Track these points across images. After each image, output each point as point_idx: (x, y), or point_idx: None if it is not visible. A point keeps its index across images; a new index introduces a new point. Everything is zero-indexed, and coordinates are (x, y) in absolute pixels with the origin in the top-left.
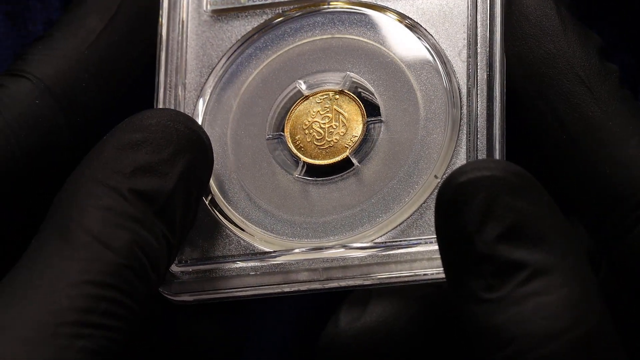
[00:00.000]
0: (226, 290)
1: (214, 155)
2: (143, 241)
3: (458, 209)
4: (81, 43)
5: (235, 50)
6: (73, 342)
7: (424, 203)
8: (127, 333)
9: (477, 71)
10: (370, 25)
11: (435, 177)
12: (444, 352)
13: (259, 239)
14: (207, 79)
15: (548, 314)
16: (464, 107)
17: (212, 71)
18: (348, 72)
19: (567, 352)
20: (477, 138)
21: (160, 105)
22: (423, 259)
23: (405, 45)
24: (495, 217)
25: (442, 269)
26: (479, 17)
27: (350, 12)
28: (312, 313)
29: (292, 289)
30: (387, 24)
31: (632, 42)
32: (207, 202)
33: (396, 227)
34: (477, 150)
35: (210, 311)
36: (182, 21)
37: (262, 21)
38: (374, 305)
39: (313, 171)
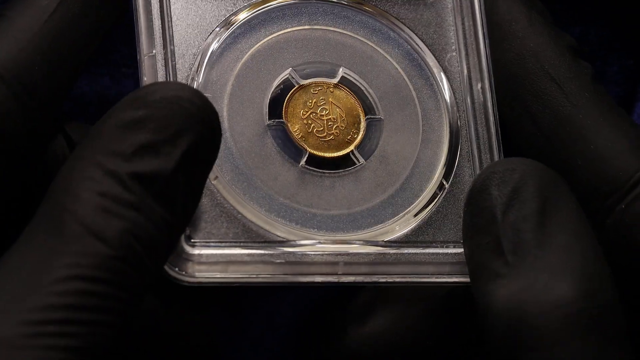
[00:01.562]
0: (240, 276)
1: None
2: (139, 229)
3: (488, 192)
4: (33, 23)
5: (225, 28)
6: (58, 341)
7: (434, 207)
8: (120, 325)
9: (471, 77)
10: (363, 25)
11: (443, 183)
12: (454, 352)
13: (271, 226)
14: (197, 56)
15: (559, 285)
16: (461, 112)
17: (203, 47)
18: (342, 67)
19: (577, 320)
20: (480, 142)
21: (145, 77)
22: (437, 262)
23: (399, 49)
24: (521, 201)
25: (454, 273)
26: (466, 23)
27: (345, 8)
28: (314, 315)
29: (307, 280)
30: (381, 25)
31: (630, 43)
32: (216, 186)
33: (409, 228)
34: (481, 152)
35: (207, 307)
36: None
37: (245, 2)
38: (380, 308)
39: (314, 162)
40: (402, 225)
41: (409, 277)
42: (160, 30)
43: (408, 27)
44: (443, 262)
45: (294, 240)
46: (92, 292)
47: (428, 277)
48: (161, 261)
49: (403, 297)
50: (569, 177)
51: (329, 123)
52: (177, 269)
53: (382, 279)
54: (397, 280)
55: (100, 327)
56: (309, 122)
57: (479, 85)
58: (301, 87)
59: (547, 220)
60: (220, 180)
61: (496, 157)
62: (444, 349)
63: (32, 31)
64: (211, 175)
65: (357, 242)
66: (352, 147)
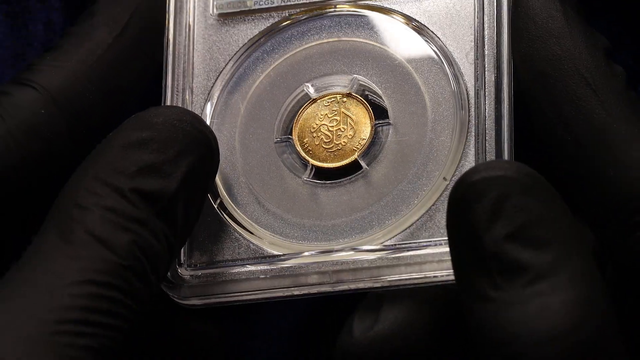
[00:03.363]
0: (236, 294)
1: (223, 157)
2: (143, 242)
3: (469, 206)
4: (89, 55)
5: (242, 54)
6: (75, 340)
7: (433, 205)
8: (128, 333)
9: (484, 73)
10: (376, 28)
11: (444, 179)
12: (461, 353)
13: (268, 242)
14: (214, 82)
15: (552, 315)
16: (472, 109)
17: (219, 74)
18: (355, 75)
19: (568, 354)
20: (485, 140)
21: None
22: (433, 261)
23: (412, 48)
24: (505, 216)
25: (452, 271)
26: (486, 18)
27: (357, 15)
28: (317, 318)
29: (302, 292)
30: (393, 26)
31: (629, 43)
32: (215, 206)
33: (405, 229)
34: (485, 153)
35: (213, 312)
36: (189, 25)
37: (268, 24)
38: (386, 311)
39: (322, 174)
40: (400, 227)
41: (407, 279)
42: (184, 57)
43: (424, 26)
44: (442, 260)
45: (287, 254)
46: (105, 297)
47: (427, 277)
48: (161, 276)
49: (411, 299)
50: (600, 185)
51: (338, 133)
52: (174, 293)
53: (377, 284)
54: (394, 283)
55: (111, 330)
56: (318, 134)
57: (493, 78)
58: (313, 101)
59: (532, 234)
60: (222, 202)
61: (506, 157)
62: (452, 352)
63: (88, 63)
64: (213, 198)
65: (354, 248)
66: (356, 155)
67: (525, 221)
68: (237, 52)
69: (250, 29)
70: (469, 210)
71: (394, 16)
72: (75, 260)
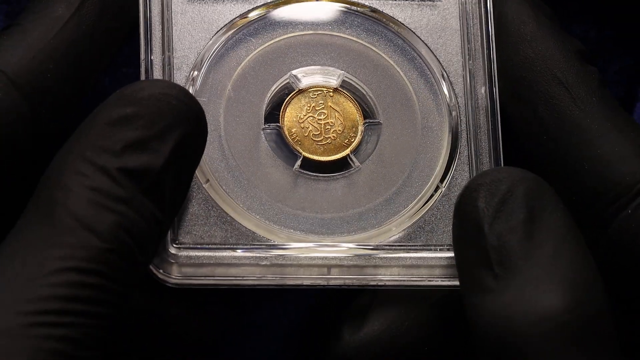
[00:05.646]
0: (226, 278)
1: (209, 137)
2: (129, 223)
3: (476, 206)
4: (47, 32)
5: (225, 33)
6: (53, 331)
7: (428, 211)
8: (114, 317)
9: (475, 82)
10: (366, 29)
11: (439, 185)
12: (449, 354)
13: (262, 229)
14: (197, 60)
15: (549, 294)
16: (462, 116)
17: (203, 51)
18: (343, 71)
19: (565, 331)
20: (479, 147)
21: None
22: (427, 265)
23: (401, 53)
24: (508, 212)
25: (445, 276)
26: (472, 27)
27: (349, 12)
28: (309, 315)
29: (296, 283)
30: (384, 29)
31: (629, 43)
32: (205, 186)
33: (401, 231)
34: (480, 157)
35: (196, 299)
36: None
37: (245, 7)
38: (375, 313)
39: (310, 165)
40: (395, 229)
41: (401, 281)
42: (160, 35)
43: (413, 32)
44: (435, 266)
45: (283, 243)
46: (86, 284)
47: (420, 281)
48: (150, 255)
49: (399, 302)
50: (575, 181)
51: (327, 127)
52: (162, 270)
53: (372, 282)
54: (388, 283)
55: (94, 318)
56: (306, 125)
57: (483, 90)
58: (300, 91)
59: (533, 230)
60: (211, 183)
61: (494, 164)
62: (439, 354)
63: (45, 40)
64: (202, 178)
65: (348, 245)
66: (348, 151)
67: (527, 216)
68: (219, 29)
69: (227, 10)
70: (476, 209)
71: (386, 19)
72: (58, 247)
